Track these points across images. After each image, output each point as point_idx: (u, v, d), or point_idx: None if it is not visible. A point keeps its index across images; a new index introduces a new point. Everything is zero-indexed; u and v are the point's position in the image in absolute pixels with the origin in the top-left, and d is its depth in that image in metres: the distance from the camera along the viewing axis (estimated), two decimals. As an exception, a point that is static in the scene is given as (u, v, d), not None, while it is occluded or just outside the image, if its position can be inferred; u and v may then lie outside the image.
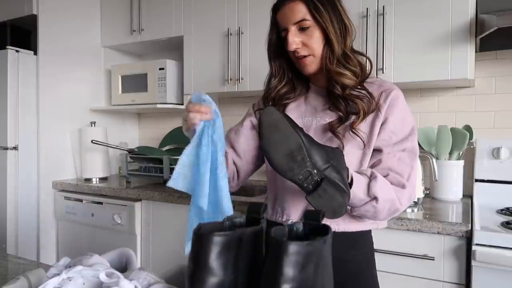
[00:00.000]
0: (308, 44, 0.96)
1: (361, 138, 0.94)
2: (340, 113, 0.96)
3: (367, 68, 0.99)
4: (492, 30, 1.41)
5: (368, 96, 0.95)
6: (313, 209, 0.74)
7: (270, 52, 1.05)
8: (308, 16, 0.94)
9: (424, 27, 1.60)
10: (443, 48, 1.56)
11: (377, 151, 0.96)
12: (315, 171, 0.77)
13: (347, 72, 0.95)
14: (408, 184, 0.92)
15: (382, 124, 0.96)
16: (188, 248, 0.74)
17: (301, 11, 0.94)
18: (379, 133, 0.95)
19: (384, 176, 0.92)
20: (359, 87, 0.95)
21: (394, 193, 0.90)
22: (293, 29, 0.95)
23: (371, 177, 0.89)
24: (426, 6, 1.59)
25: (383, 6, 1.64)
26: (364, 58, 1.01)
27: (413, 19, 1.61)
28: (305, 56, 0.97)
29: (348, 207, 0.91)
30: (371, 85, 0.98)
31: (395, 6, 1.64)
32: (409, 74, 1.63)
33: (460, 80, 1.62)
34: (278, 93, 1.04)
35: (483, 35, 1.48)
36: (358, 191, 0.85)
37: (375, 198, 0.87)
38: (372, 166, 0.96)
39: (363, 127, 0.95)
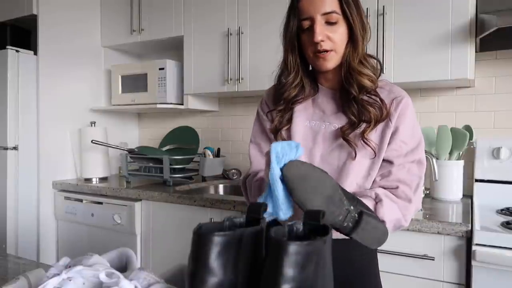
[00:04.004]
0: (332, 39, 0.91)
1: (372, 149, 0.93)
2: (353, 117, 0.94)
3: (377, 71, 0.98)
4: (492, 30, 1.41)
5: (380, 103, 0.93)
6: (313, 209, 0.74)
7: (289, 43, 0.97)
8: (338, 9, 0.90)
9: (424, 27, 1.60)
10: (443, 48, 1.56)
11: (387, 161, 0.95)
12: (351, 207, 0.76)
13: (369, 72, 0.93)
14: (414, 198, 0.93)
15: (392, 134, 0.94)
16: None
17: (332, 3, 0.90)
18: (389, 143, 0.94)
19: (393, 189, 0.92)
20: (372, 92, 0.94)
21: (400, 212, 0.90)
22: (320, 19, 0.90)
23: (377, 200, 0.89)
24: (426, 6, 1.59)
25: (383, 6, 1.64)
26: (375, 61, 0.98)
27: (413, 19, 1.61)
28: (327, 51, 0.92)
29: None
30: (381, 90, 0.96)
31: (395, 6, 1.64)
32: (409, 74, 1.63)
33: (460, 80, 1.62)
34: (289, 95, 0.99)
35: (483, 35, 1.48)
36: None
37: (382, 221, 0.87)
38: (382, 177, 0.96)
39: (373, 136, 0.94)
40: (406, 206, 0.92)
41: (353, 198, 0.80)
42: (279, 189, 0.73)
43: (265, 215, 0.73)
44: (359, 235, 0.76)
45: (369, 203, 0.87)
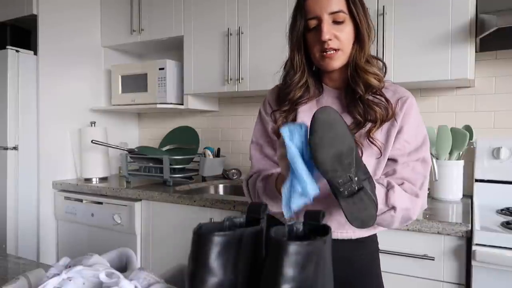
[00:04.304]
0: (339, 38, 0.91)
1: (378, 148, 0.93)
2: (359, 117, 0.94)
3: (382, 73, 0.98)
4: (492, 30, 1.41)
5: (386, 103, 0.93)
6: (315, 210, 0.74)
7: (295, 43, 0.96)
8: (344, 9, 0.91)
9: (424, 27, 1.60)
10: (443, 48, 1.56)
11: (391, 160, 0.96)
12: (356, 178, 0.76)
13: (375, 71, 0.93)
14: (420, 193, 0.93)
15: (397, 133, 0.95)
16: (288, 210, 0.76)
17: (339, 2, 0.91)
18: (393, 142, 0.95)
19: (399, 185, 0.92)
20: (378, 92, 0.94)
21: (410, 203, 0.91)
22: (327, 18, 0.90)
23: (388, 187, 0.89)
24: (426, 6, 1.59)
25: (383, 6, 1.64)
26: (379, 62, 0.99)
27: (413, 19, 1.61)
28: (333, 50, 0.92)
29: None
30: (386, 90, 0.96)
31: (395, 6, 1.64)
32: (409, 74, 1.63)
33: (460, 80, 1.62)
34: (295, 95, 0.98)
35: (483, 35, 1.48)
36: (378, 201, 0.85)
37: (393, 208, 0.88)
38: (386, 176, 0.96)
39: (379, 136, 0.94)
40: (414, 200, 0.92)
41: (365, 173, 0.80)
42: (300, 166, 0.74)
43: (293, 200, 0.74)
44: (346, 206, 0.76)
45: (380, 190, 0.87)
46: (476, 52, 1.63)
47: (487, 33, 1.45)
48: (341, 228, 0.96)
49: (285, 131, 0.75)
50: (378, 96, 0.94)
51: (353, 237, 0.97)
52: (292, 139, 0.75)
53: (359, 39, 0.94)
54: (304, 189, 0.73)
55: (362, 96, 0.93)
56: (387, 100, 0.93)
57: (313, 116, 0.74)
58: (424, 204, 0.96)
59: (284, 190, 0.77)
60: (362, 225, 0.77)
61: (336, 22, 0.91)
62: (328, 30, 0.90)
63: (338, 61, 0.93)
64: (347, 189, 0.76)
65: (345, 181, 0.75)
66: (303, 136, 0.76)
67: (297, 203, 0.76)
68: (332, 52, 0.92)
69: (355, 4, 0.92)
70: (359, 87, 0.93)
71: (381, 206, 0.86)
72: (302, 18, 0.94)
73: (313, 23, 0.92)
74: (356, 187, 0.76)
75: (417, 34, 1.61)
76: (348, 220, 0.76)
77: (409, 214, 0.91)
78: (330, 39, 0.90)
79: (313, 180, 0.75)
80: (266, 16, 1.91)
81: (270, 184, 0.95)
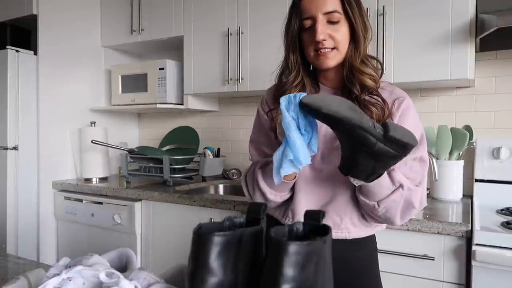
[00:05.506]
0: (334, 38, 0.92)
1: None
2: None
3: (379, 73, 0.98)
4: (492, 30, 1.41)
5: (382, 103, 0.93)
6: (315, 209, 0.74)
7: (290, 43, 0.97)
8: (339, 9, 0.91)
9: (424, 27, 1.60)
10: (443, 48, 1.57)
11: None
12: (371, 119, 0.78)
13: (371, 72, 0.94)
14: (420, 186, 0.94)
15: None
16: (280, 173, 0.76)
17: (334, 2, 0.91)
18: None
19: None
20: (374, 92, 0.94)
21: (411, 185, 0.92)
22: (322, 18, 0.91)
23: (390, 170, 0.89)
24: (426, 6, 1.59)
25: (383, 6, 1.64)
26: (376, 62, 0.99)
27: (413, 19, 1.61)
28: (329, 49, 0.92)
29: (375, 203, 0.90)
30: (382, 90, 0.96)
31: (395, 6, 1.64)
32: (409, 74, 1.63)
33: (460, 80, 1.62)
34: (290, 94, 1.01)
35: (483, 35, 1.48)
36: (384, 180, 0.86)
37: (401, 186, 0.88)
38: None
39: None
40: (415, 187, 0.92)
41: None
42: (294, 133, 0.74)
43: (284, 166, 0.74)
44: (398, 132, 0.74)
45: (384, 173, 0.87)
46: (476, 52, 1.63)
47: (487, 33, 1.45)
48: (336, 228, 0.96)
49: (283, 100, 0.76)
50: (374, 96, 0.94)
51: (348, 237, 0.97)
52: (289, 110, 0.75)
53: (355, 40, 0.94)
54: (296, 155, 0.73)
55: (358, 96, 0.93)
56: (383, 100, 0.94)
57: (303, 104, 0.74)
58: (424, 200, 0.96)
59: (276, 156, 0.77)
60: (414, 141, 0.77)
61: (331, 22, 0.91)
62: (322, 31, 0.90)
63: (333, 60, 0.94)
64: (379, 127, 0.76)
65: (371, 123, 0.76)
66: (298, 107, 0.76)
67: (287, 170, 0.75)
68: (327, 50, 0.92)
69: (351, 4, 0.92)
70: (355, 87, 0.93)
71: (389, 185, 0.87)
72: (297, 18, 0.94)
73: (308, 23, 0.93)
74: (380, 125, 0.77)
75: (417, 34, 1.61)
76: (406, 147, 0.75)
77: (411, 198, 0.91)
78: (324, 39, 0.91)
79: (307, 149, 0.75)
80: (266, 17, 1.91)
81: (268, 170, 0.96)
